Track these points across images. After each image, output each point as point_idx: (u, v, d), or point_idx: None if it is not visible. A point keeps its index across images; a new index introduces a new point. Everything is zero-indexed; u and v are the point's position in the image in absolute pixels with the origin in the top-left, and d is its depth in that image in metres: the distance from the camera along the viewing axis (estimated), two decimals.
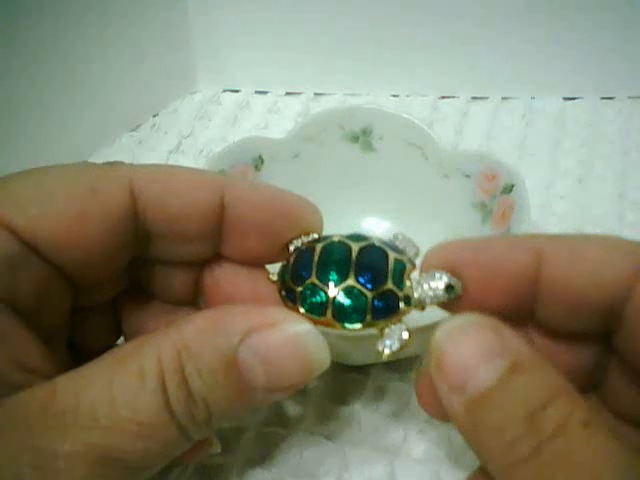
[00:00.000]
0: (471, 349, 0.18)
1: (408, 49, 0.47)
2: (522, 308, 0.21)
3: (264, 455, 0.28)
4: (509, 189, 0.32)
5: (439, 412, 0.21)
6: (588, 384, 0.22)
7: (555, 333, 0.21)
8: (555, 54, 0.45)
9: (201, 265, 0.25)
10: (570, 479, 0.16)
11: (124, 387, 0.18)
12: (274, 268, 0.24)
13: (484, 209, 0.34)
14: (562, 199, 0.40)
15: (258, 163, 0.36)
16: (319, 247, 0.22)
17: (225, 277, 0.24)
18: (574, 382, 0.18)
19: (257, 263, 0.24)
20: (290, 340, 0.19)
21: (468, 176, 0.34)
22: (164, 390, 0.18)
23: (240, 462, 0.28)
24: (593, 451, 0.16)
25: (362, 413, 0.29)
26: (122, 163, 0.23)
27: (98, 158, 0.45)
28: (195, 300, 0.25)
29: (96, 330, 0.25)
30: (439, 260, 0.21)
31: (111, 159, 0.44)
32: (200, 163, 0.44)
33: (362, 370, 0.31)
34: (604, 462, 0.16)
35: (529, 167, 0.42)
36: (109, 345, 0.26)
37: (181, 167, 0.24)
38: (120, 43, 0.44)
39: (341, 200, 0.36)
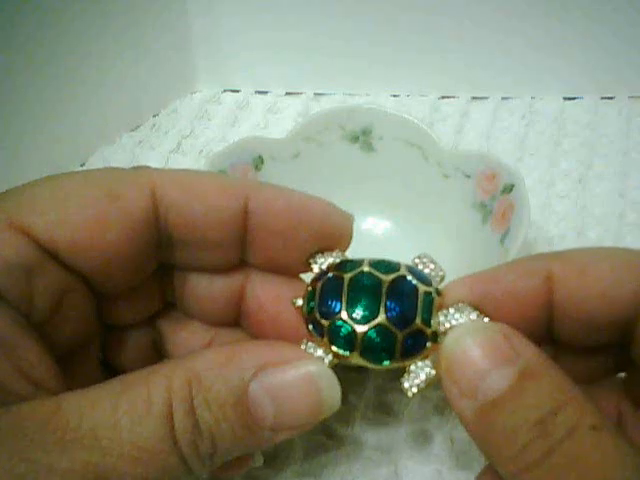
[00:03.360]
0: (482, 355, 0.18)
1: (408, 49, 0.46)
2: (538, 330, 0.21)
3: (267, 456, 0.28)
4: (509, 189, 0.32)
5: None
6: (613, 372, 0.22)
7: (573, 349, 0.21)
8: (555, 54, 0.45)
9: (240, 279, 0.24)
10: None
11: (129, 411, 0.17)
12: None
13: (484, 209, 0.34)
14: (562, 199, 0.40)
15: (258, 163, 0.36)
16: (347, 278, 0.21)
17: (264, 288, 0.24)
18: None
19: (285, 272, 0.24)
20: (302, 379, 0.19)
21: (468, 176, 0.34)
22: (170, 418, 0.18)
23: None
24: (603, 454, 0.17)
25: (364, 413, 0.29)
26: (146, 167, 0.23)
27: (98, 158, 0.45)
28: (237, 321, 0.25)
29: (134, 353, 0.25)
30: (458, 299, 0.21)
31: (111, 159, 0.45)
32: (200, 163, 0.44)
33: (362, 370, 0.31)
34: (614, 464, 0.16)
35: (529, 167, 0.42)
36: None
37: (205, 172, 0.24)
38: (120, 43, 0.44)
39: (341, 200, 0.36)
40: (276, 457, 0.28)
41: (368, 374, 0.31)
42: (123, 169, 0.22)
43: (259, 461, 0.24)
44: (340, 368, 0.20)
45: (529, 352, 0.18)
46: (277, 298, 0.24)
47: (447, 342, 0.19)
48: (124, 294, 0.23)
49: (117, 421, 0.17)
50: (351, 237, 0.23)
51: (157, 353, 0.26)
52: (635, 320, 0.19)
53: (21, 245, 0.19)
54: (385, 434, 0.29)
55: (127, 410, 0.17)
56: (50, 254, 0.20)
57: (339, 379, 0.20)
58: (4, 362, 0.18)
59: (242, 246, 0.23)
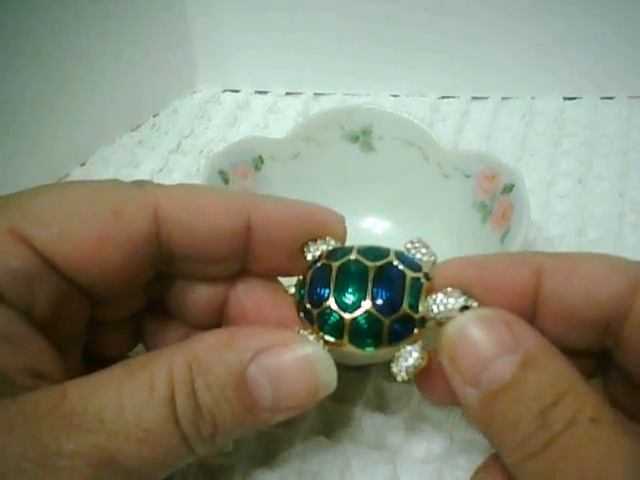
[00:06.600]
0: (484, 343, 0.18)
1: (408, 49, 0.47)
2: None
3: (267, 455, 0.28)
4: (509, 189, 0.32)
5: (441, 397, 0.21)
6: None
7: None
8: (555, 54, 0.45)
9: (224, 286, 0.25)
10: (578, 474, 0.17)
11: (133, 395, 0.18)
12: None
13: (484, 209, 0.34)
14: (562, 199, 0.40)
15: (258, 163, 0.36)
16: (335, 266, 0.21)
17: (248, 295, 0.24)
18: None
19: (281, 275, 0.25)
20: (299, 361, 0.20)
21: (468, 176, 0.34)
22: (172, 401, 0.18)
23: (243, 462, 0.28)
24: (601, 447, 0.17)
25: (363, 412, 0.29)
26: (149, 182, 0.23)
27: (98, 158, 0.45)
28: (219, 323, 0.25)
29: (112, 341, 0.26)
30: (447, 279, 0.21)
31: (111, 159, 0.45)
32: (200, 163, 0.44)
33: (362, 370, 0.31)
34: (611, 457, 0.17)
35: (529, 167, 0.42)
36: (123, 354, 0.26)
37: (207, 188, 0.25)
38: (120, 43, 0.44)
39: (341, 200, 0.36)
40: (275, 456, 0.28)
41: (367, 373, 0.31)
42: (127, 184, 0.22)
43: (228, 446, 0.24)
44: (340, 367, 0.20)
45: (531, 340, 0.18)
46: (260, 305, 0.24)
47: (449, 330, 0.19)
48: (115, 297, 0.23)
49: (121, 405, 0.18)
50: (345, 235, 0.24)
51: (134, 340, 0.26)
52: (620, 322, 0.19)
53: (23, 254, 0.20)
54: (384, 433, 0.29)
55: (131, 394, 0.18)
56: (50, 265, 0.20)
57: (338, 376, 0.20)
58: (8, 356, 0.19)
59: (243, 258, 0.24)
